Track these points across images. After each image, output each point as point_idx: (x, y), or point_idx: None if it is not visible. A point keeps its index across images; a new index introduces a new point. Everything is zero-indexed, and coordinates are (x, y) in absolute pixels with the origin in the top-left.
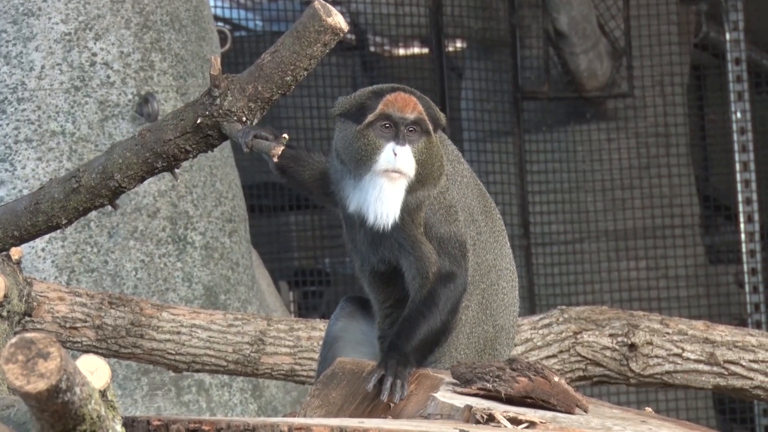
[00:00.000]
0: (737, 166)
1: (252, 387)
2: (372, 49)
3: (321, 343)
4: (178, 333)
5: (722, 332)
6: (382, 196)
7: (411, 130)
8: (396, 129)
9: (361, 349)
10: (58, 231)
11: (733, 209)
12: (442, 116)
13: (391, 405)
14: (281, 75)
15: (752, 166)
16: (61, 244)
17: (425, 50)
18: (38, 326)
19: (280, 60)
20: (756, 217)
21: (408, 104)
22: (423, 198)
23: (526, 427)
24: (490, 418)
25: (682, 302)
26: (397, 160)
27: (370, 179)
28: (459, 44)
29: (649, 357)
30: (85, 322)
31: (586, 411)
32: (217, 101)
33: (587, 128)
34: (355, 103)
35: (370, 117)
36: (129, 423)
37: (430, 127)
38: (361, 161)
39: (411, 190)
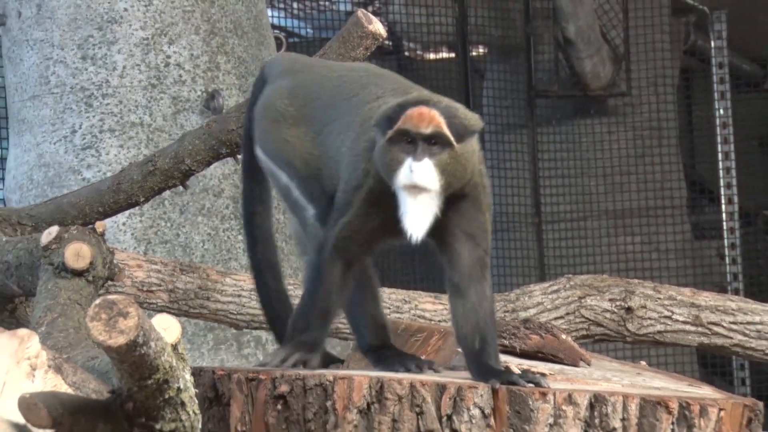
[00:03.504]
0: (720, 156)
1: None
2: (406, 53)
3: None
4: (239, 296)
5: (706, 298)
6: (409, 211)
7: (433, 143)
8: (415, 144)
9: None
10: (137, 207)
11: (716, 192)
12: (472, 124)
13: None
14: None
15: (732, 155)
16: (139, 219)
17: (452, 55)
18: (119, 290)
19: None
20: (735, 199)
21: (424, 119)
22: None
23: None
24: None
25: (671, 272)
26: (414, 176)
27: (398, 193)
28: (481, 49)
29: (643, 319)
30: (160, 286)
31: (589, 364)
32: None
33: (591, 122)
34: (385, 115)
35: (390, 132)
36: (197, 372)
37: (452, 139)
38: (388, 174)
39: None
